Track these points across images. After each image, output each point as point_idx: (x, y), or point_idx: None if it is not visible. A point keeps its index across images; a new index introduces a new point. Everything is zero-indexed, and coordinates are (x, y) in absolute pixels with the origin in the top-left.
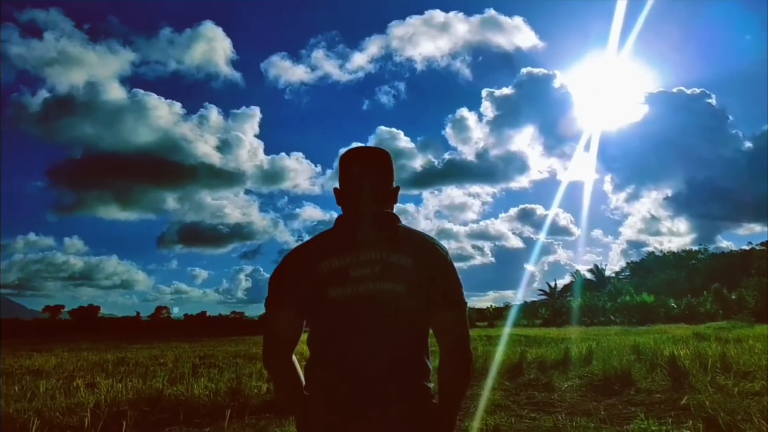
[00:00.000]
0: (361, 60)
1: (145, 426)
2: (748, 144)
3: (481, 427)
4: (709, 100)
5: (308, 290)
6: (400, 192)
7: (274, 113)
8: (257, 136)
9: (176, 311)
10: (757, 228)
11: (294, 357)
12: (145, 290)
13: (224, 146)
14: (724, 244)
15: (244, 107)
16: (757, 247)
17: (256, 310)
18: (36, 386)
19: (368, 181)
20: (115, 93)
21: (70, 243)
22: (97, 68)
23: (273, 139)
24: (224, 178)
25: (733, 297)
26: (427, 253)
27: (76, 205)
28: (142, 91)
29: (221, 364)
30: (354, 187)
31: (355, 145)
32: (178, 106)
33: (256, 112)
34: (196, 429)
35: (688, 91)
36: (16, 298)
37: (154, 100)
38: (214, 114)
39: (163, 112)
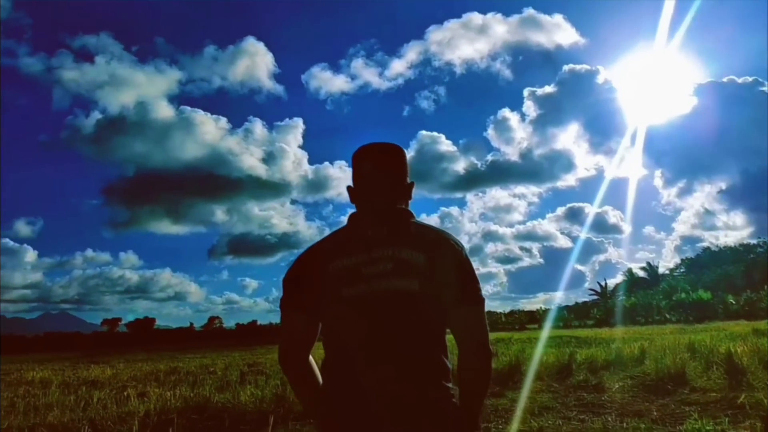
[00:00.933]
0: (400, 67)
1: None
2: None
3: (525, 430)
4: (762, 88)
5: (321, 290)
6: (414, 190)
7: (317, 123)
8: (301, 147)
9: (228, 321)
10: None
11: (311, 358)
12: (198, 301)
13: (269, 158)
14: None
15: (287, 119)
16: None
17: None
18: (90, 396)
19: (381, 178)
20: (164, 111)
21: (125, 257)
22: (146, 88)
23: (316, 148)
24: (270, 188)
25: None
26: (442, 249)
27: (130, 221)
28: (189, 108)
29: (268, 371)
30: (367, 183)
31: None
32: (224, 121)
33: (299, 124)
34: None
35: (740, 80)
36: (76, 312)
37: (200, 116)
38: (258, 127)
39: (210, 127)
